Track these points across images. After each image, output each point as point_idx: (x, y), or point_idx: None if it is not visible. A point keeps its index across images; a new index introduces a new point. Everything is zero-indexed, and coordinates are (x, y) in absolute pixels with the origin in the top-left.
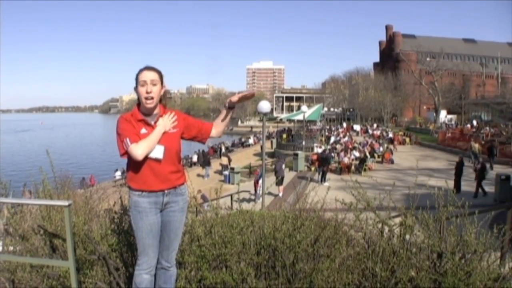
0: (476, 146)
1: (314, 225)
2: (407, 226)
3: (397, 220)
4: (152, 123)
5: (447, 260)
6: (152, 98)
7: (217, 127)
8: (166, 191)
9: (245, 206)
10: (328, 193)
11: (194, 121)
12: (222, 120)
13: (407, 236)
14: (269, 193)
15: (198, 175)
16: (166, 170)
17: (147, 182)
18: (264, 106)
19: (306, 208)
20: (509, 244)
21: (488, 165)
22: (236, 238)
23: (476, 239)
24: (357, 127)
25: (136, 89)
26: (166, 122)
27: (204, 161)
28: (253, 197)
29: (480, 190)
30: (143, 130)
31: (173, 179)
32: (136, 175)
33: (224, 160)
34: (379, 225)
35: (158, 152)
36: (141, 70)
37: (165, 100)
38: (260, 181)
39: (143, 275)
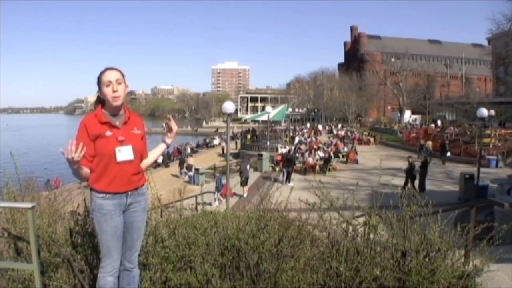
0: (429, 144)
1: (278, 225)
2: (371, 225)
3: (362, 219)
4: (118, 123)
5: (411, 258)
6: (119, 96)
7: (147, 161)
8: (129, 192)
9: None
10: (293, 193)
11: (146, 141)
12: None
13: (372, 236)
14: (234, 194)
15: (174, 175)
16: (130, 171)
17: (113, 184)
18: (229, 106)
19: (271, 209)
20: (473, 242)
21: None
22: (200, 239)
23: (440, 238)
24: (319, 127)
25: (100, 91)
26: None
27: (181, 161)
28: (222, 198)
29: (419, 186)
30: (108, 133)
31: (135, 180)
32: (101, 177)
33: (191, 161)
34: (343, 225)
35: (128, 154)
36: (103, 72)
37: (126, 99)
38: (232, 186)
39: (107, 277)
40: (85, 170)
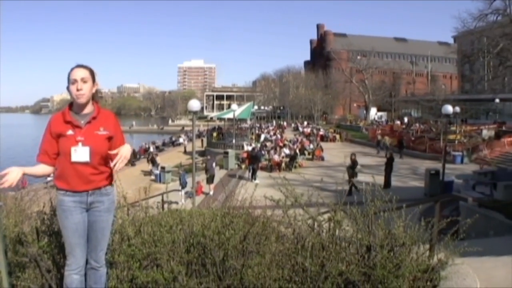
0: (387, 139)
1: (243, 222)
2: (336, 221)
3: (327, 215)
4: (82, 123)
5: (376, 253)
6: (83, 94)
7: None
8: (90, 192)
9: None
10: (258, 190)
11: (120, 139)
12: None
13: (337, 231)
14: (201, 192)
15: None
16: (89, 171)
17: (71, 183)
18: (194, 105)
19: (236, 206)
20: (438, 236)
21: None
22: (166, 236)
23: (405, 232)
24: (284, 123)
25: (68, 88)
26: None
27: (152, 160)
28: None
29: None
30: (70, 132)
31: (97, 181)
32: (61, 175)
33: (158, 159)
34: (309, 221)
35: (83, 155)
36: (72, 69)
37: (97, 98)
38: (203, 184)
39: (72, 275)
40: (38, 169)
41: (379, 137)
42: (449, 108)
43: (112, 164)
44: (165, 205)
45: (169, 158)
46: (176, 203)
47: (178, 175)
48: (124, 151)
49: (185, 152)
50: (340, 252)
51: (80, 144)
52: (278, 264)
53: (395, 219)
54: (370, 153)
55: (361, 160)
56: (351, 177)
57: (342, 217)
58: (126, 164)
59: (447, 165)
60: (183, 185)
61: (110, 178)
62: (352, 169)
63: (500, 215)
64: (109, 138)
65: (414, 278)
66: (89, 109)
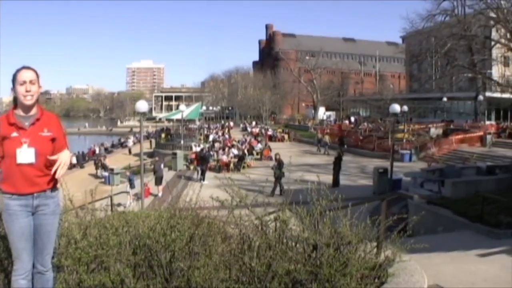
0: (326, 137)
1: (189, 223)
2: (282, 220)
3: (274, 215)
4: (27, 124)
5: (322, 252)
6: (32, 96)
7: None
8: (35, 194)
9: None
10: (207, 191)
11: (62, 141)
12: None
13: (283, 231)
14: (150, 194)
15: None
16: (34, 173)
17: (16, 185)
18: (142, 106)
19: (184, 207)
20: (386, 234)
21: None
22: (112, 239)
23: (351, 231)
24: (231, 123)
25: (13, 89)
26: None
27: (100, 164)
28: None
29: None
30: (14, 134)
31: (42, 183)
32: (7, 178)
33: (106, 161)
34: (255, 221)
35: (28, 156)
36: (18, 70)
37: (40, 100)
38: (150, 185)
39: (19, 280)
40: None
41: (320, 135)
42: (396, 107)
43: (52, 171)
44: (113, 208)
45: (118, 160)
46: (124, 206)
47: (126, 177)
48: (64, 158)
49: (129, 153)
50: (287, 252)
51: (25, 145)
52: (225, 265)
53: (341, 218)
54: (318, 153)
55: (309, 159)
56: (277, 178)
57: (289, 216)
58: (74, 167)
59: (395, 163)
60: (132, 186)
61: (55, 181)
62: (278, 169)
63: (448, 211)
64: (53, 140)
65: (362, 276)
66: (33, 111)
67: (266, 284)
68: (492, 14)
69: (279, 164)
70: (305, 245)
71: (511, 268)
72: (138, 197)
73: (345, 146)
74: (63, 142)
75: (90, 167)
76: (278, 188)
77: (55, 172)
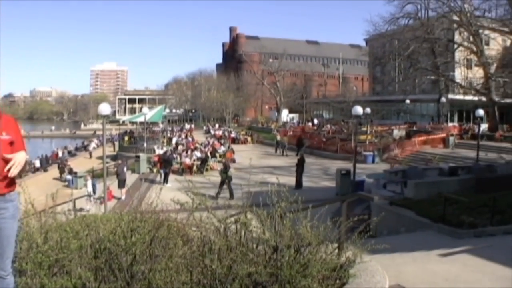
0: (285, 139)
1: (150, 226)
2: (242, 222)
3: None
4: None
5: (283, 253)
6: None
7: None
8: None
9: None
10: (169, 194)
11: (20, 144)
12: None
13: (244, 233)
14: (113, 197)
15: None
16: None
17: None
18: (104, 108)
19: (146, 210)
20: (347, 235)
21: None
22: (72, 243)
23: (311, 232)
24: (191, 126)
25: None
26: None
27: (63, 167)
28: (99, 202)
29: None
30: None
31: (1, 186)
32: None
33: (70, 165)
34: (216, 223)
35: None
36: None
37: None
38: (113, 188)
39: None
40: None
41: (278, 137)
42: (359, 109)
43: (5, 169)
44: (75, 212)
45: (81, 163)
46: (88, 210)
47: (87, 181)
48: (19, 158)
49: (90, 157)
50: (247, 254)
51: None
52: (187, 268)
53: (301, 219)
54: (281, 155)
55: (272, 161)
56: (223, 182)
57: (250, 218)
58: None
59: (358, 165)
60: (93, 190)
61: (14, 184)
62: (225, 173)
63: (411, 212)
64: (11, 143)
65: (323, 277)
66: None
67: (227, 286)
68: (455, 17)
69: (225, 167)
70: (266, 247)
71: (472, 267)
72: (101, 201)
73: (304, 147)
74: (21, 145)
75: (53, 171)
76: (223, 190)
77: (14, 176)
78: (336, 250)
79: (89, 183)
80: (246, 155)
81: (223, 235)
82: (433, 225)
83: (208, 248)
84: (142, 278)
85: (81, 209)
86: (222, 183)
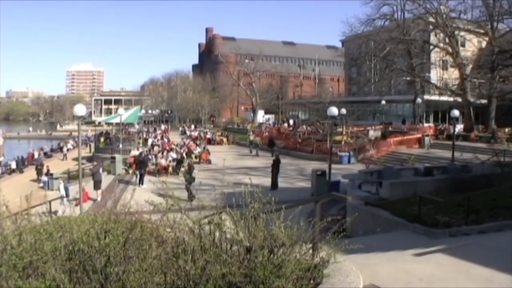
0: (257, 139)
1: (124, 227)
2: (216, 223)
3: (212, 218)
4: None
5: (256, 254)
6: None
7: None
8: None
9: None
10: (144, 195)
11: None
12: None
13: (218, 234)
14: (89, 198)
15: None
16: None
17: None
18: (79, 109)
19: (121, 211)
20: (322, 235)
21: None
22: (46, 244)
23: (284, 233)
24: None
25: None
26: None
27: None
28: (73, 204)
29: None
30: None
31: None
32: None
33: (46, 166)
34: (190, 224)
35: None
36: None
37: None
38: (88, 190)
39: None
40: None
41: (251, 137)
42: (334, 110)
43: None
44: (50, 214)
45: (57, 164)
46: (62, 212)
47: (61, 184)
48: None
49: (64, 159)
50: (221, 255)
51: None
52: (161, 269)
53: (274, 220)
54: (262, 156)
55: (248, 162)
56: (188, 183)
57: (224, 219)
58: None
59: (334, 166)
60: (66, 193)
61: None
62: (189, 174)
63: (386, 212)
64: None
65: (297, 277)
66: None
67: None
68: (431, 19)
69: (189, 168)
70: (240, 247)
71: (447, 266)
72: (76, 202)
73: (275, 147)
74: None
75: (29, 172)
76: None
77: None
78: (310, 251)
79: (61, 186)
80: (221, 156)
81: (197, 236)
82: (408, 225)
83: (182, 249)
84: (116, 280)
85: (55, 212)
86: (188, 183)
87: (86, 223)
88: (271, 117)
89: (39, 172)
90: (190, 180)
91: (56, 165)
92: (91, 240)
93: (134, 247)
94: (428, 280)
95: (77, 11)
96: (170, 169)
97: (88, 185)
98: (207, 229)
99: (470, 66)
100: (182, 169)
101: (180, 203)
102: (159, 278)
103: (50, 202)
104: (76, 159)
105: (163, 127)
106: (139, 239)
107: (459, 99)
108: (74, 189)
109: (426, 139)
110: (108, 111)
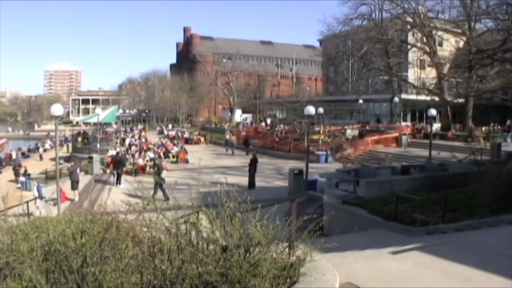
0: (233, 138)
1: (100, 227)
2: (192, 223)
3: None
4: None
5: (232, 253)
6: None
7: None
8: None
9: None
10: (121, 195)
11: None
12: None
13: (194, 233)
14: (67, 199)
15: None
16: None
17: None
18: (57, 109)
19: (96, 211)
20: (297, 233)
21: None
22: (23, 245)
23: (259, 232)
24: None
25: None
26: None
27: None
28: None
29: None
30: None
31: None
32: None
33: (24, 166)
34: (167, 224)
35: None
36: None
37: None
38: (65, 190)
39: None
40: None
41: (227, 136)
42: (311, 109)
43: None
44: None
45: (35, 165)
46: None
47: (35, 185)
48: None
49: (40, 159)
50: (197, 254)
51: None
52: (138, 269)
53: (250, 219)
54: (235, 155)
55: (225, 161)
56: (157, 183)
57: (200, 219)
58: None
59: (311, 165)
60: (40, 195)
61: None
62: (157, 174)
63: (364, 211)
64: None
65: (274, 276)
66: None
67: (178, 287)
68: (409, 19)
69: (158, 169)
70: (216, 246)
71: (424, 264)
72: (54, 203)
73: (250, 146)
74: None
75: (7, 173)
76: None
77: None
78: (287, 249)
79: (35, 187)
80: (199, 155)
81: (173, 236)
82: (386, 223)
83: (158, 249)
84: (93, 280)
85: (31, 213)
86: (156, 185)
87: (62, 223)
88: (249, 116)
89: (16, 172)
90: (159, 181)
91: (33, 166)
92: (67, 240)
93: (110, 247)
94: (405, 277)
95: (54, 10)
96: (148, 168)
97: (66, 185)
98: (183, 229)
99: (448, 65)
100: (151, 170)
101: (156, 202)
102: (135, 278)
103: (27, 203)
104: (53, 159)
105: (139, 127)
106: (115, 239)
107: (436, 98)
108: (50, 189)
109: (404, 138)
110: (86, 111)
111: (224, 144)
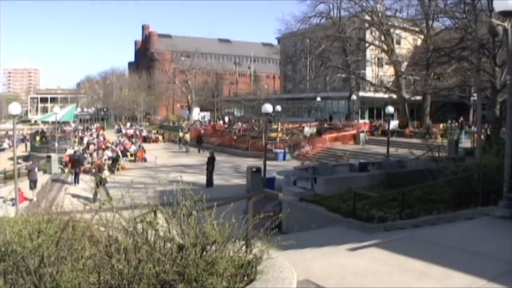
0: (187, 136)
1: (56, 227)
2: (147, 222)
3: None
4: None
5: (188, 252)
6: None
7: None
8: None
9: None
10: (79, 194)
11: None
12: None
13: (150, 232)
14: (25, 198)
15: None
16: None
17: None
18: (14, 108)
19: (54, 210)
20: (254, 231)
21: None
22: None
23: (217, 230)
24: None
25: None
26: None
27: None
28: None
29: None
30: None
31: None
32: None
33: None
34: (123, 223)
35: None
36: None
37: None
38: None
39: None
40: None
41: (181, 134)
42: (268, 107)
43: None
44: None
45: None
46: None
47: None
48: None
49: None
50: (154, 253)
51: None
52: (94, 268)
53: (206, 217)
54: (192, 153)
55: (183, 160)
56: (98, 184)
57: (156, 218)
58: None
59: (269, 162)
60: None
61: None
62: (98, 175)
63: (322, 208)
64: None
65: (231, 274)
66: None
67: (135, 286)
68: (367, 17)
69: (99, 169)
70: (172, 245)
71: (381, 260)
72: (13, 203)
73: (203, 143)
74: None
75: None
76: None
77: None
78: (244, 247)
79: None
80: (157, 154)
81: (130, 235)
82: (344, 220)
83: (115, 248)
84: (51, 280)
85: None
86: (97, 185)
87: (19, 223)
88: (207, 114)
89: None
90: (101, 181)
91: None
92: (24, 240)
93: (67, 246)
94: (362, 274)
95: (11, 6)
96: (106, 167)
97: (24, 185)
98: (140, 228)
99: (405, 63)
100: (94, 170)
101: (111, 201)
102: (93, 278)
103: None
104: (12, 158)
105: (96, 125)
106: (71, 239)
107: (394, 96)
108: (8, 189)
109: (361, 135)
110: (44, 110)
111: (178, 142)
